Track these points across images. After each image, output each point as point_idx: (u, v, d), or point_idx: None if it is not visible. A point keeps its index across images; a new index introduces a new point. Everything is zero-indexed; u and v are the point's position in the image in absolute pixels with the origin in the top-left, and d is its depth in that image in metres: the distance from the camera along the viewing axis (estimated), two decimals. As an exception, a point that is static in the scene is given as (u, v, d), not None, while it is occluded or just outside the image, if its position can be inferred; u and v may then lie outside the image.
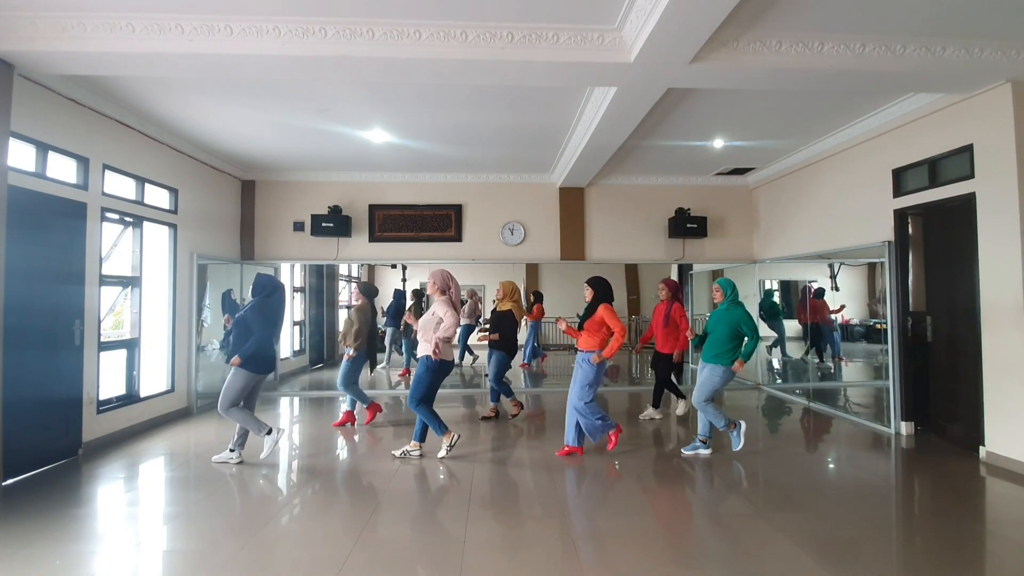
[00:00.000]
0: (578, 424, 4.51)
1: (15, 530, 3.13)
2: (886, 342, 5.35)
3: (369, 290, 5.72)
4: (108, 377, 5.14)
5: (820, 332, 7.35)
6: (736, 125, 5.75)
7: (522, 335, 8.89)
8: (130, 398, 5.37)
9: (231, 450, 4.36)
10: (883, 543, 3.03)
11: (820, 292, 7.26)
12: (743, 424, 4.53)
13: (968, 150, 4.50)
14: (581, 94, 4.90)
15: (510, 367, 5.87)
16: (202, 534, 3.15)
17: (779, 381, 8.28)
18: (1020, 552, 2.95)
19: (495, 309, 5.87)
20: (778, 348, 8.26)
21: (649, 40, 3.46)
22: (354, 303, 5.67)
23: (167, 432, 5.40)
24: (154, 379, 5.81)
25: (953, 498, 3.72)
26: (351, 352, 5.42)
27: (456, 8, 3.50)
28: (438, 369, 4.32)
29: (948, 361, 4.88)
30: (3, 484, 3.80)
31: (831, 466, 4.49)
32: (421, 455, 4.47)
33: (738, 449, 4.49)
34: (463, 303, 8.74)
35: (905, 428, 5.15)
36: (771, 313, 8.05)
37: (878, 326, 6.31)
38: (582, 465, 4.32)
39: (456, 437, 4.46)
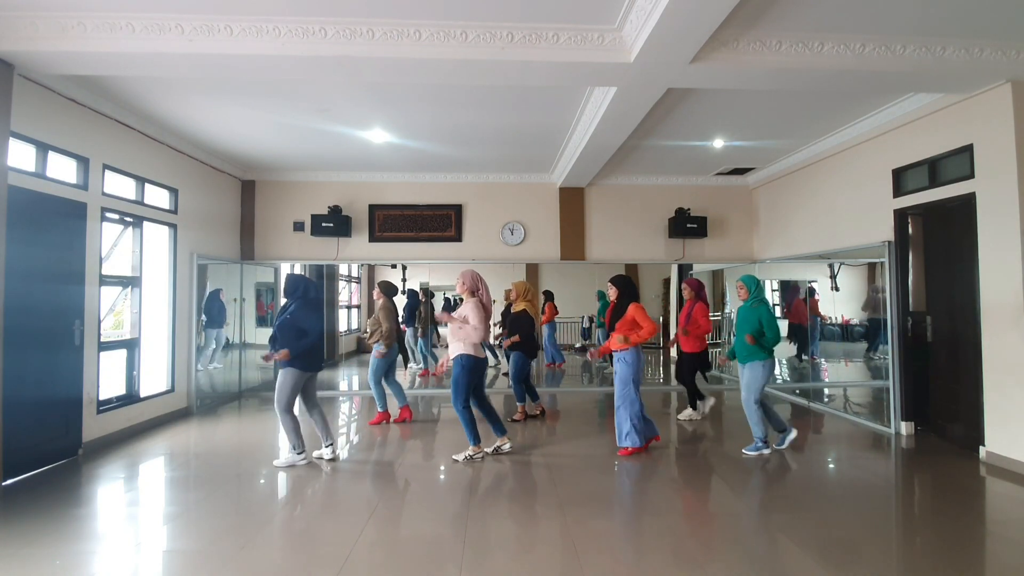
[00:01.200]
0: (633, 420, 4.49)
1: (15, 530, 3.13)
2: (870, 341, 5.35)
3: (390, 289, 5.75)
4: (108, 377, 5.14)
5: (804, 331, 7.34)
6: (736, 125, 5.75)
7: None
8: (130, 398, 5.37)
9: (327, 445, 4.40)
10: (883, 543, 3.03)
11: (810, 292, 7.27)
12: (769, 450, 4.54)
13: (968, 150, 4.49)
14: (581, 94, 4.90)
15: (530, 364, 5.84)
16: (202, 534, 3.15)
17: (779, 381, 8.27)
18: (1020, 552, 2.95)
19: (507, 310, 5.86)
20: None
21: (649, 40, 3.46)
22: (376, 302, 5.69)
23: (167, 432, 5.40)
24: (154, 379, 5.81)
25: (953, 498, 3.71)
26: (382, 349, 5.45)
27: (456, 8, 3.50)
28: (473, 368, 4.31)
29: (948, 361, 4.88)
30: (3, 484, 3.80)
31: (831, 466, 4.48)
32: (509, 448, 4.52)
33: (746, 454, 4.51)
34: None
35: (905, 428, 5.15)
36: None
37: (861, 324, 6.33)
38: (583, 465, 4.32)
39: (481, 456, 4.42)
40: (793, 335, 7.49)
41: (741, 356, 4.54)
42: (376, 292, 5.70)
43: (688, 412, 5.83)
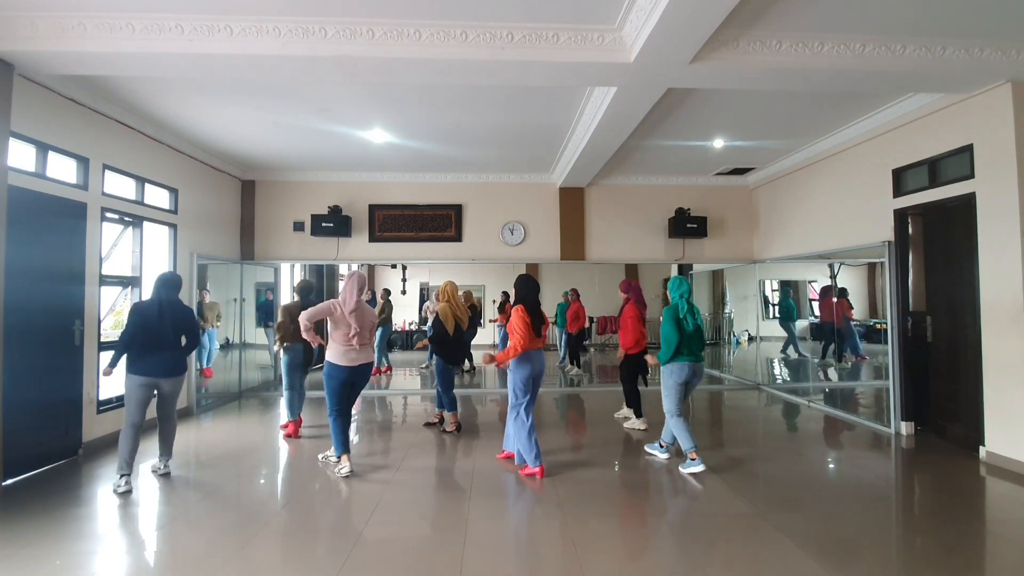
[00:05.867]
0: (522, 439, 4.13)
1: (15, 530, 3.13)
2: (886, 342, 5.34)
3: (303, 289, 5.38)
4: (108, 377, 5.11)
5: (840, 332, 7.27)
6: (736, 125, 5.75)
7: (487, 337, 8.93)
8: (130, 398, 5.36)
9: (161, 457, 4.13)
10: (883, 543, 3.04)
11: (843, 291, 7.19)
12: (667, 456, 4.41)
13: (968, 150, 4.50)
14: (581, 94, 4.90)
15: (452, 371, 5.41)
16: (202, 534, 3.15)
17: (779, 381, 8.28)
18: (1020, 552, 2.95)
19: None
20: (792, 348, 8.25)
21: (649, 40, 3.46)
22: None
23: (167, 432, 5.38)
24: (154, 379, 5.80)
25: (953, 498, 3.72)
26: (275, 346, 5.51)
27: (456, 8, 3.50)
28: (331, 375, 4.11)
29: (948, 361, 4.88)
30: (3, 484, 3.80)
31: (831, 466, 4.48)
32: (351, 471, 4.09)
33: (660, 456, 4.44)
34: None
35: (905, 428, 5.15)
36: (786, 314, 8.04)
37: (878, 326, 6.30)
38: (580, 465, 4.31)
39: (336, 459, 4.16)
40: (824, 334, 7.43)
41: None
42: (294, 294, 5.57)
43: (623, 411, 5.73)
